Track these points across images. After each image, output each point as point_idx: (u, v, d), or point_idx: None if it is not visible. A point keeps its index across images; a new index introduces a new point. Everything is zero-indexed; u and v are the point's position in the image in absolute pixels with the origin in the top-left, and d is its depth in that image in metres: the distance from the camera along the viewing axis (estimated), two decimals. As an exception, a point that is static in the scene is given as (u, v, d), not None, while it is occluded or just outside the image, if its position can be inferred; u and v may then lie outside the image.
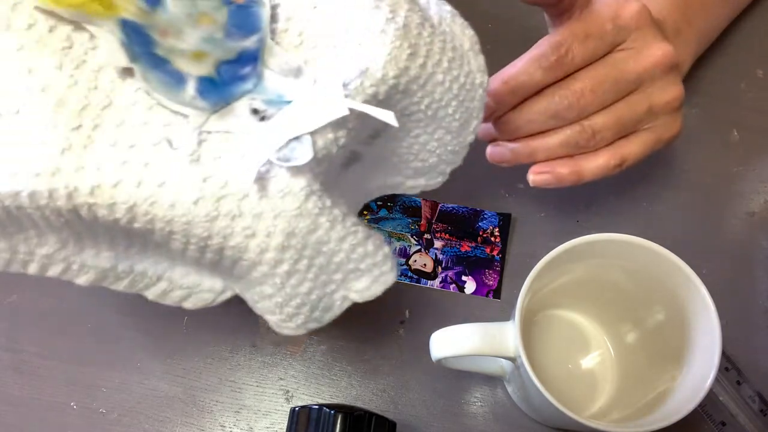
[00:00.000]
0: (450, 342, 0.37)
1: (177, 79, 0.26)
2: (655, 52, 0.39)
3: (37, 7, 0.25)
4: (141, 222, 0.25)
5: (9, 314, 0.46)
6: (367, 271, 0.28)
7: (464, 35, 0.32)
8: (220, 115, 0.26)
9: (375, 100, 0.27)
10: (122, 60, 0.25)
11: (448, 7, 0.32)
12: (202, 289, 0.31)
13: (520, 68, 0.38)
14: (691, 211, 0.49)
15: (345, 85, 0.26)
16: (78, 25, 0.25)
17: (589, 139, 0.39)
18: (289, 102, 0.26)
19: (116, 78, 0.25)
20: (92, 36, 0.25)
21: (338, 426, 0.34)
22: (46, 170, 0.24)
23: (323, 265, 0.27)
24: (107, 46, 0.25)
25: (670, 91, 0.40)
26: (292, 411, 0.36)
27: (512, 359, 0.38)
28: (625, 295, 0.41)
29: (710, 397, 0.42)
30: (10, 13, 0.24)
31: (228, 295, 0.31)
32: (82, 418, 0.43)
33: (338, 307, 0.29)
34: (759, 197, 0.50)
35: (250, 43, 0.27)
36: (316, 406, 0.35)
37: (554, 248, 0.37)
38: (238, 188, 0.25)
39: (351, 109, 0.26)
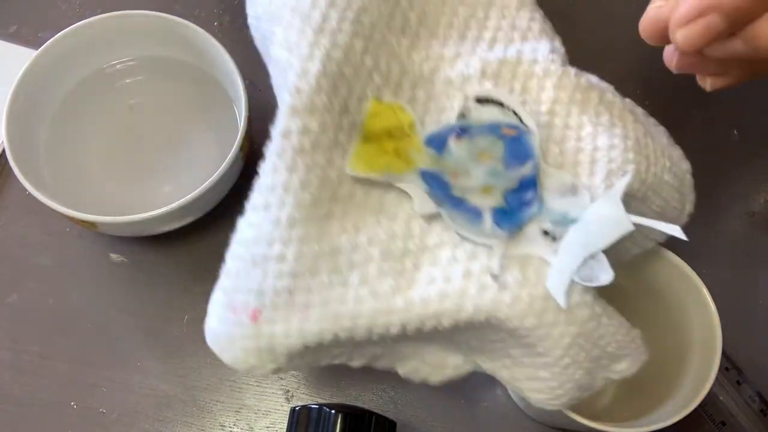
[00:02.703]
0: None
1: (475, 214, 0.29)
2: None
3: (354, 177, 0.29)
4: (457, 329, 0.29)
5: (9, 314, 0.46)
6: (628, 354, 0.31)
7: (658, 131, 0.34)
8: (516, 240, 0.29)
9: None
10: (431, 207, 0.29)
11: (639, 109, 0.34)
12: (447, 365, 0.33)
13: None
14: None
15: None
16: (385, 189, 0.29)
17: None
18: (573, 220, 0.29)
19: (423, 224, 0.29)
20: (397, 195, 0.29)
21: (338, 426, 0.34)
22: (381, 311, 0.28)
23: (597, 355, 0.30)
24: (418, 198, 0.29)
25: None
26: (292, 411, 0.36)
27: (512, 359, 0.38)
28: (625, 294, 0.41)
29: (710, 397, 0.42)
30: (336, 187, 0.29)
31: (468, 368, 0.33)
32: (82, 418, 0.43)
33: (597, 386, 0.31)
34: (759, 197, 0.50)
35: (526, 170, 0.30)
36: (316, 406, 0.35)
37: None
38: (540, 306, 0.28)
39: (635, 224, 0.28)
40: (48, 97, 0.47)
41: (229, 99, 0.48)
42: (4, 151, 0.44)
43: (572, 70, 0.33)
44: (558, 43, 0.34)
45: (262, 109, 0.51)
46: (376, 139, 0.29)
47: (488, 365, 0.33)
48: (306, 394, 0.44)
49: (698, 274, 0.36)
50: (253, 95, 0.50)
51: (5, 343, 0.45)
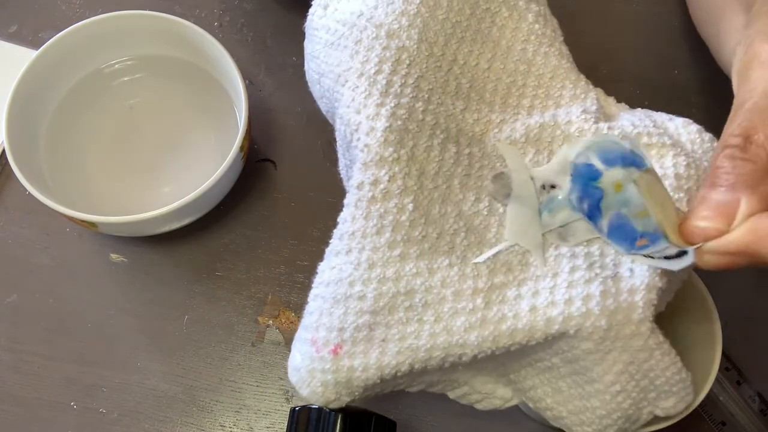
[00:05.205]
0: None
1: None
2: None
3: (422, 222, 0.32)
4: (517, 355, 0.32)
5: (9, 314, 0.46)
6: (676, 393, 0.32)
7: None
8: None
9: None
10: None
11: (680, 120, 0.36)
12: (495, 396, 0.36)
13: None
14: (691, 211, 0.49)
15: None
16: (455, 231, 0.32)
17: None
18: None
19: (490, 265, 0.32)
20: (466, 236, 0.32)
21: (338, 426, 0.34)
22: (455, 345, 0.30)
23: (645, 386, 0.31)
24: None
25: None
26: (292, 411, 0.36)
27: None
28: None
29: (710, 397, 0.42)
30: (409, 230, 0.31)
31: (515, 402, 0.36)
32: (82, 418, 0.43)
33: (643, 420, 0.32)
34: (759, 197, 0.50)
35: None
36: (316, 406, 0.35)
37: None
38: (599, 335, 0.30)
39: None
40: (48, 96, 0.47)
41: (229, 99, 0.48)
42: (4, 151, 0.44)
43: (605, 125, 0.34)
44: (590, 102, 0.36)
45: (262, 109, 0.51)
46: None
47: (535, 394, 0.34)
48: (306, 394, 0.44)
49: (698, 274, 0.36)
50: (253, 95, 0.50)
51: (6, 343, 0.45)
